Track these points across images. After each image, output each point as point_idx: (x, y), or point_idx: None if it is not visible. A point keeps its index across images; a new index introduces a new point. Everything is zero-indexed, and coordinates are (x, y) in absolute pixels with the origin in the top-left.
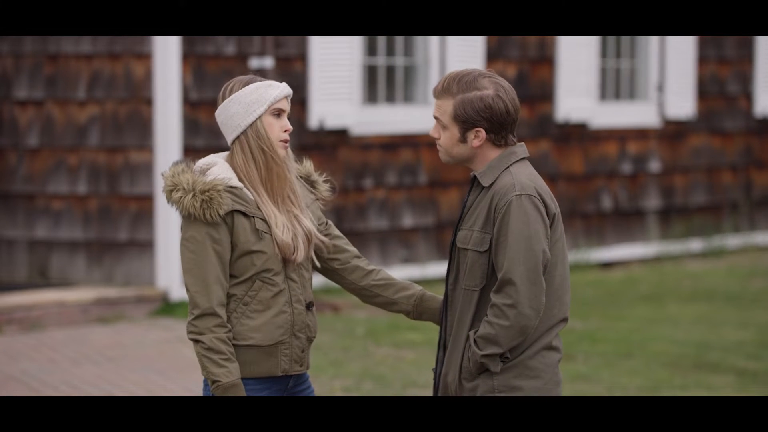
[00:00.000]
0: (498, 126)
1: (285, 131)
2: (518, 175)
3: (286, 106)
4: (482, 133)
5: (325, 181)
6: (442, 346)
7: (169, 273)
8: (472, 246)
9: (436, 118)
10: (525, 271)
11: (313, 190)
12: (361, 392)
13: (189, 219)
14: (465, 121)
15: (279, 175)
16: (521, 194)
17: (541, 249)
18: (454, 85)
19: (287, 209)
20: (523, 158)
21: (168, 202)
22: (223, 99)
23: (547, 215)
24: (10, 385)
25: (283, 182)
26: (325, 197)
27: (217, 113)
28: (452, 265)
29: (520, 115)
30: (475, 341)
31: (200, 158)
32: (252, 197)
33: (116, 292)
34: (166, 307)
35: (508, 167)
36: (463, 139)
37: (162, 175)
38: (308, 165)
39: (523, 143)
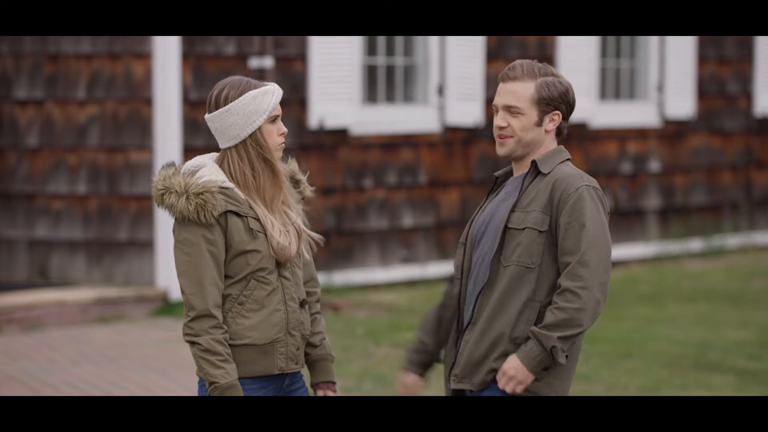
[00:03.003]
0: (569, 112)
1: (281, 134)
2: (578, 170)
3: (280, 109)
4: (558, 116)
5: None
6: (469, 323)
7: (169, 273)
8: (531, 224)
9: (507, 106)
10: (599, 257)
11: (297, 189)
12: (361, 392)
13: (182, 221)
14: (548, 103)
15: (276, 182)
16: (590, 185)
17: (610, 240)
18: (535, 69)
19: (279, 208)
20: (569, 160)
21: (159, 205)
22: (217, 105)
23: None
24: (10, 385)
25: (279, 188)
26: (308, 196)
27: (210, 118)
28: (499, 245)
29: None
30: (545, 327)
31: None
32: (243, 197)
33: (116, 292)
34: (166, 307)
35: (563, 161)
36: (540, 123)
37: (152, 178)
38: (292, 164)
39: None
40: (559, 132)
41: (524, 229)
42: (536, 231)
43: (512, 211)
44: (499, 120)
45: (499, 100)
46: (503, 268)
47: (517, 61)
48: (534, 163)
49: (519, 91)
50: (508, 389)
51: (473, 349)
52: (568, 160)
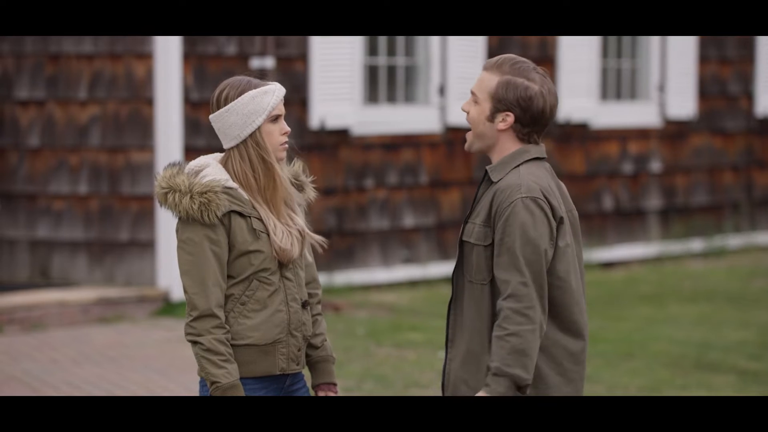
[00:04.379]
0: (529, 120)
1: (284, 134)
2: (526, 176)
3: (282, 109)
4: (511, 118)
5: (312, 182)
6: (447, 340)
7: (170, 273)
8: (475, 240)
9: (472, 92)
10: (531, 274)
11: (300, 191)
12: (362, 392)
13: (186, 221)
14: (500, 101)
15: (277, 182)
16: (528, 196)
17: (543, 250)
18: (507, 65)
19: (282, 210)
20: (537, 158)
21: (162, 204)
22: (218, 105)
23: (554, 217)
24: (11, 384)
25: (280, 189)
26: (311, 199)
27: (212, 118)
28: (459, 257)
29: None
30: (500, 362)
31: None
32: (247, 197)
33: (117, 292)
34: (167, 307)
35: (518, 166)
36: (491, 118)
37: (155, 177)
38: (297, 166)
39: (542, 144)
40: (521, 136)
41: (473, 244)
42: (482, 246)
43: (465, 222)
44: (464, 104)
45: (472, 85)
46: (468, 284)
47: (505, 54)
48: (485, 170)
49: (484, 81)
50: None
51: (455, 372)
52: (531, 160)
